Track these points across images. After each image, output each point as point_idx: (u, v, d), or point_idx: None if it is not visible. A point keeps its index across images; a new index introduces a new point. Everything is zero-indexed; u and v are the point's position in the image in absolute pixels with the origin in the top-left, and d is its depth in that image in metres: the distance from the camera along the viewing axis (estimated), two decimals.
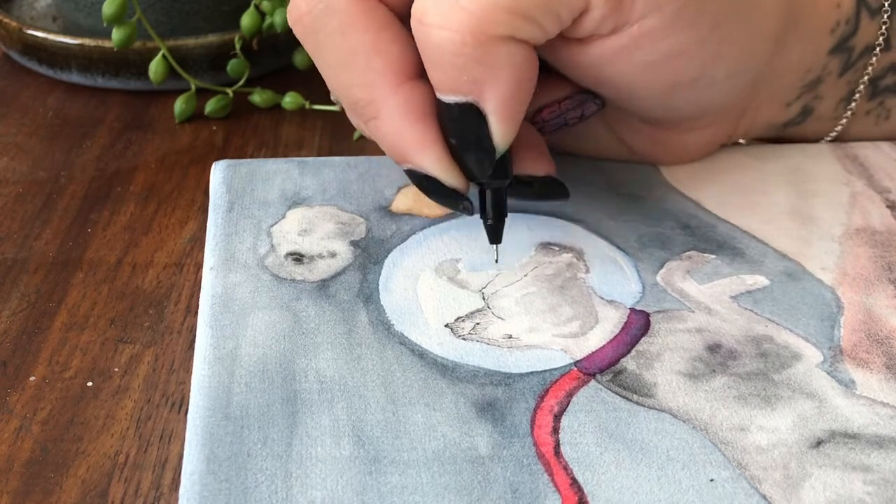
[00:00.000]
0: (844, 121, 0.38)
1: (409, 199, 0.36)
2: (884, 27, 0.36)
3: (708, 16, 0.31)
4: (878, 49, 0.37)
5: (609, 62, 0.31)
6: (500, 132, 0.30)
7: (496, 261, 0.33)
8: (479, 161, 0.31)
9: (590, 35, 0.31)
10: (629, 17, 0.30)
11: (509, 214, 0.32)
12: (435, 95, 0.31)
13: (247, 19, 0.48)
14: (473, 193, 0.32)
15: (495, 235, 0.32)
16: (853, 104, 0.38)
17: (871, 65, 0.37)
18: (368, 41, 0.31)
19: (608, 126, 0.37)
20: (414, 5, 0.30)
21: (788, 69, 0.36)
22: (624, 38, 0.31)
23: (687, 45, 0.31)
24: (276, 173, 0.37)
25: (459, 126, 0.30)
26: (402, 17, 0.31)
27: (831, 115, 0.38)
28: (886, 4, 0.36)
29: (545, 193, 0.34)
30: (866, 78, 0.37)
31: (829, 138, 0.39)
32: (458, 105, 0.30)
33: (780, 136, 0.39)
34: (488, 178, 0.31)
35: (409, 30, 0.31)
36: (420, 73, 0.31)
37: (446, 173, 0.31)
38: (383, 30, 0.31)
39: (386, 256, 0.33)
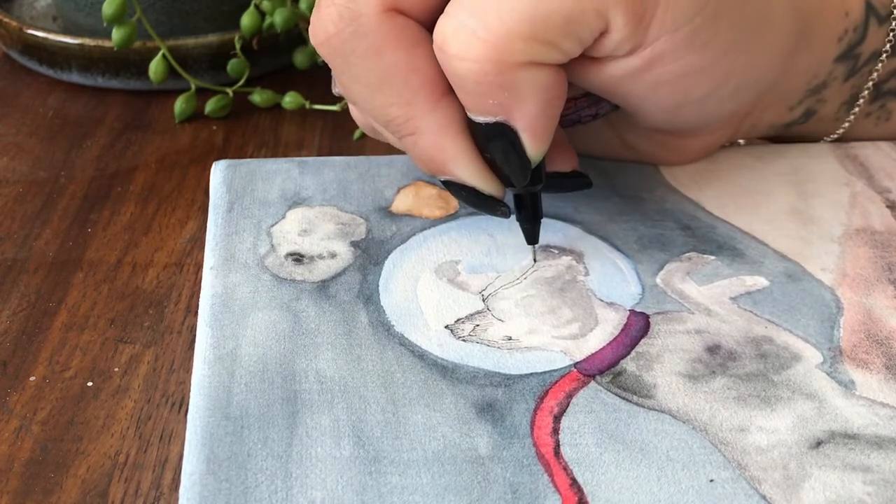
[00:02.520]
0: (847, 124, 0.38)
1: (409, 199, 0.36)
2: (891, 34, 0.36)
3: (722, 37, 0.31)
4: (884, 55, 0.37)
5: (622, 82, 0.31)
6: (533, 147, 0.30)
7: (534, 260, 0.33)
8: (514, 172, 0.31)
9: (606, 56, 0.31)
10: (645, 39, 0.30)
11: (512, 216, 0.33)
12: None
13: (247, 19, 0.48)
14: (508, 197, 0.32)
15: (532, 237, 0.33)
16: (856, 108, 0.38)
17: (877, 70, 0.37)
18: (402, 60, 0.30)
19: (612, 127, 0.37)
20: (434, 33, 0.29)
21: (795, 76, 0.36)
22: (638, 59, 0.30)
23: (699, 66, 0.31)
24: (276, 173, 0.37)
25: (492, 142, 0.31)
26: (431, 28, 0.31)
27: (833, 117, 0.38)
28: None
29: (571, 186, 0.34)
30: (871, 83, 0.37)
31: (829, 139, 0.39)
32: (487, 124, 0.30)
33: (781, 136, 0.39)
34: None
35: None
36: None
37: (485, 183, 0.32)
38: (416, 47, 0.30)
39: (386, 257, 0.33)
